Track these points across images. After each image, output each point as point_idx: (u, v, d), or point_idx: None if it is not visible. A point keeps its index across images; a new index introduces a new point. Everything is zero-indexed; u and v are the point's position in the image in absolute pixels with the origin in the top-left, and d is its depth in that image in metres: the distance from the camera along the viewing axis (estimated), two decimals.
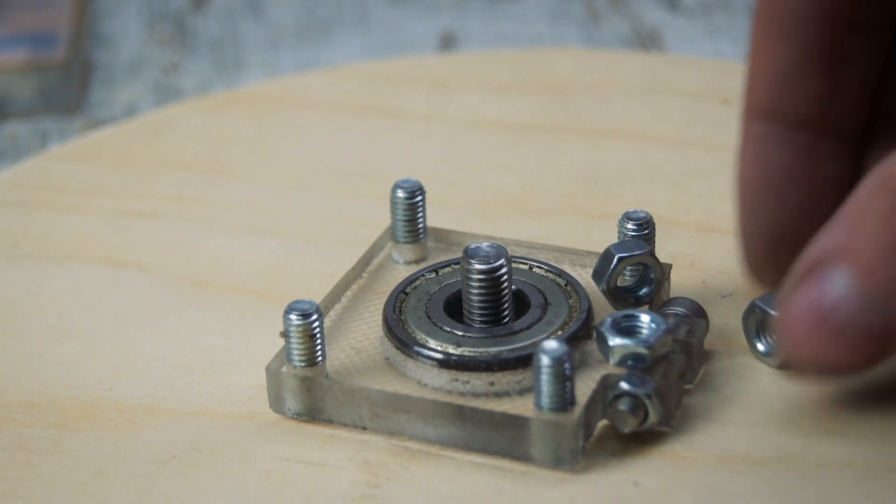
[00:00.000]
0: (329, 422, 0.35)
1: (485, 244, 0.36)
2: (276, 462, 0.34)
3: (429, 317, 0.37)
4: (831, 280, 0.28)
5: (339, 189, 0.46)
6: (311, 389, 0.35)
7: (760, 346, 0.36)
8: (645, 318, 0.35)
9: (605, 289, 0.37)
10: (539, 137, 0.49)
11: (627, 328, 0.35)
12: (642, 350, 0.34)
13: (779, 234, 0.33)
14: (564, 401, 0.33)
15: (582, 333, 0.36)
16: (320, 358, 0.35)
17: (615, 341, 0.34)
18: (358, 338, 0.37)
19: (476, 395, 0.35)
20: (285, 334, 0.35)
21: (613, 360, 0.34)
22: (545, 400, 0.33)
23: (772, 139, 0.33)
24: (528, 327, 0.36)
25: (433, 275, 0.38)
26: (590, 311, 0.37)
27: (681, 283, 0.40)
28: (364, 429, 0.35)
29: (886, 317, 0.28)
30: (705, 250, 0.41)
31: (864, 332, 0.28)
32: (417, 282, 0.38)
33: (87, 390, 0.37)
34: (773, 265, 0.33)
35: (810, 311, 0.28)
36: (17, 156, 0.55)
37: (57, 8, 0.64)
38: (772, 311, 0.35)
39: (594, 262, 0.38)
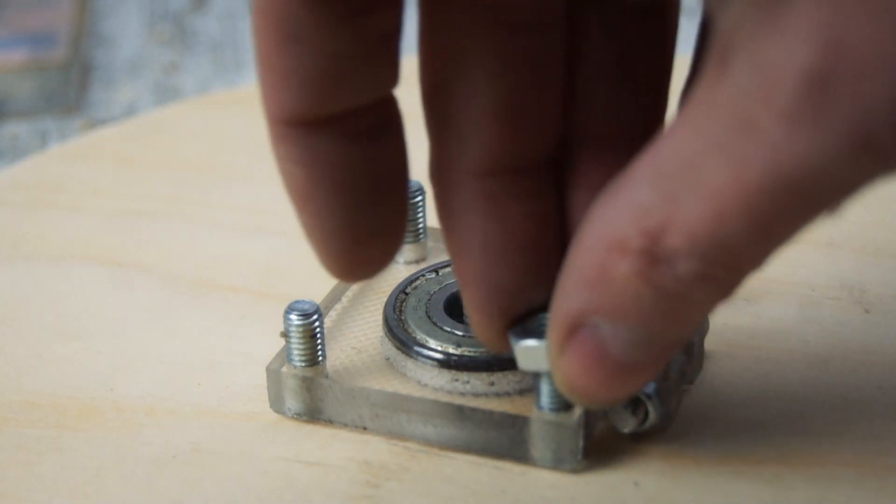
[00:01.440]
0: (329, 422, 0.35)
1: None
2: (276, 462, 0.34)
3: (429, 317, 0.37)
4: (598, 330, 0.30)
5: None
6: (312, 389, 0.35)
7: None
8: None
9: None
10: None
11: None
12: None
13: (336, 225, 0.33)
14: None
15: None
16: (320, 358, 0.35)
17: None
18: (358, 338, 0.37)
19: (476, 395, 0.35)
20: (285, 334, 0.35)
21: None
22: (546, 400, 0.33)
23: (500, 196, 0.32)
24: None
25: (433, 275, 0.38)
26: None
27: None
28: (364, 429, 0.35)
29: (649, 353, 0.30)
30: None
31: (632, 366, 0.30)
32: (417, 282, 0.38)
33: (87, 390, 0.37)
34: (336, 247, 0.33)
35: (588, 360, 0.30)
36: (16, 155, 0.55)
37: (57, 8, 0.64)
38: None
39: None
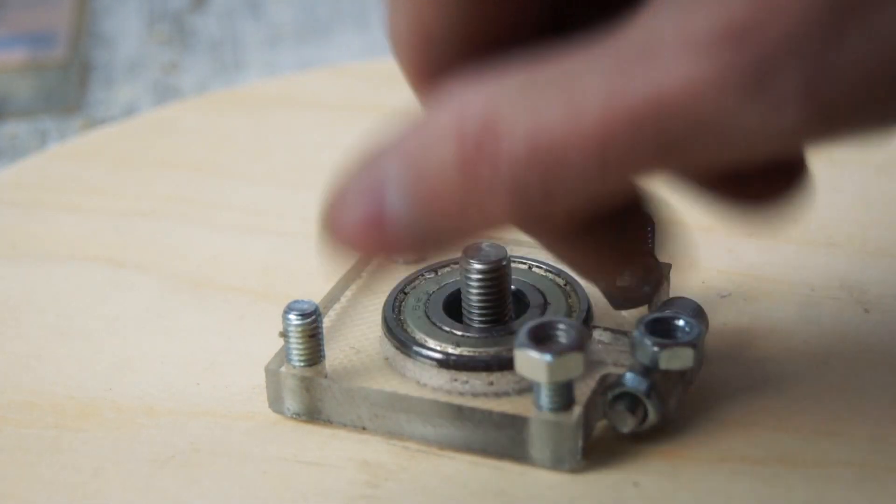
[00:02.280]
0: (328, 422, 0.35)
1: (484, 244, 0.36)
2: (275, 462, 0.34)
3: (428, 317, 0.37)
4: (386, 193, 0.29)
5: None
6: (311, 389, 0.35)
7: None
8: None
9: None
10: None
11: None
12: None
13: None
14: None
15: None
16: (319, 358, 0.35)
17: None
18: (357, 338, 0.37)
19: (475, 394, 0.35)
20: (284, 334, 0.35)
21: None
22: (545, 400, 0.33)
23: None
24: None
25: (432, 275, 0.38)
26: (589, 311, 0.37)
27: (680, 282, 0.39)
28: (363, 429, 0.35)
29: (417, 231, 0.29)
30: (705, 250, 0.41)
31: (395, 238, 0.29)
32: (416, 282, 0.38)
33: (87, 390, 0.37)
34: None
35: (364, 217, 0.29)
36: (16, 155, 0.55)
37: (56, 7, 0.64)
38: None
39: None
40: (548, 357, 0.32)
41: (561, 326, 0.33)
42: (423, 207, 0.29)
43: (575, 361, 0.32)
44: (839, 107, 0.26)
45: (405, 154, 0.29)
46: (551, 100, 0.27)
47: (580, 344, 0.32)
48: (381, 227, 0.29)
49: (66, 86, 0.59)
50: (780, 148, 0.27)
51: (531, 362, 0.32)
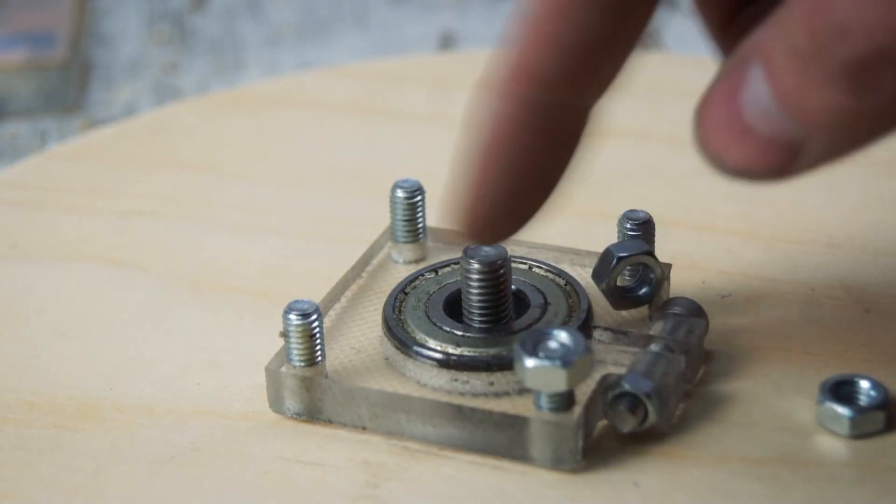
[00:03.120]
0: (328, 422, 0.35)
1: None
2: (275, 462, 0.34)
3: (428, 317, 0.37)
4: (747, 77, 0.27)
5: (339, 189, 0.46)
6: (311, 389, 0.35)
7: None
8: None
9: (605, 288, 0.37)
10: None
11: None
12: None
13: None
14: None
15: (582, 333, 0.36)
16: (320, 358, 0.35)
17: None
18: (357, 338, 0.37)
19: (475, 395, 0.35)
20: (285, 334, 0.35)
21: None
22: (545, 401, 0.33)
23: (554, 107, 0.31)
24: (528, 327, 0.36)
25: (433, 275, 0.38)
26: (589, 311, 0.37)
27: (680, 282, 0.40)
28: (363, 429, 0.35)
29: (789, 126, 0.27)
30: (705, 250, 0.41)
31: (769, 137, 0.27)
32: (417, 282, 0.38)
33: (87, 390, 0.37)
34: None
35: (722, 105, 0.28)
36: (16, 155, 0.55)
37: (56, 8, 0.64)
38: None
39: (594, 261, 0.38)
40: (553, 363, 0.32)
41: (556, 334, 0.33)
42: (781, 104, 0.26)
43: (587, 364, 0.32)
44: None
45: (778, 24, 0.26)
46: None
47: (588, 346, 0.33)
48: (739, 111, 0.27)
49: (67, 86, 0.59)
50: None
51: (545, 373, 0.32)
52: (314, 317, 0.35)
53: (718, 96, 0.28)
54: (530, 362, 0.32)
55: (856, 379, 0.35)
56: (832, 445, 0.34)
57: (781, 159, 0.27)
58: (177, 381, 0.38)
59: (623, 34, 0.30)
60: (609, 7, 0.30)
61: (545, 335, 0.33)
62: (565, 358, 0.32)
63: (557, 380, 0.32)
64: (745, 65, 0.27)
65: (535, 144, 0.31)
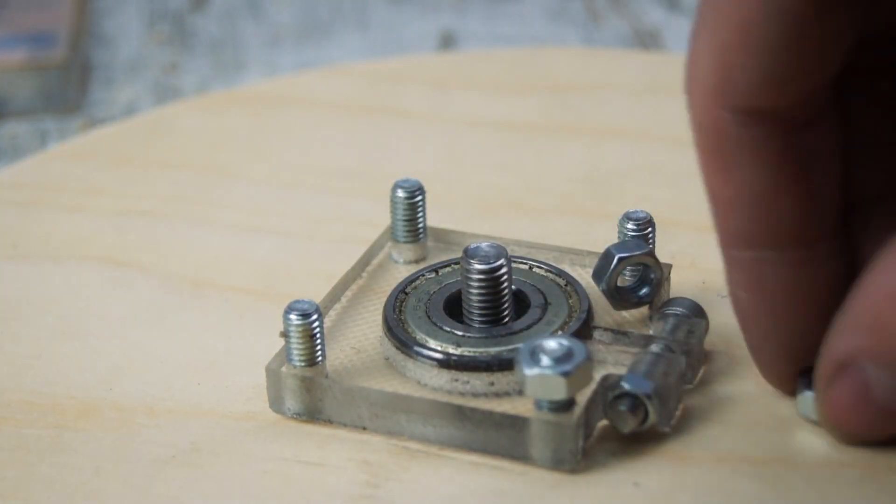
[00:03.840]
0: (329, 422, 0.35)
1: (485, 244, 0.36)
2: (275, 462, 0.34)
3: (429, 317, 0.37)
4: (865, 373, 0.31)
5: (339, 189, 0.46)
6: (311, 389, 0.35)
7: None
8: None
9: (605, 289, 0.37)
10: (539, 137, 0.49)
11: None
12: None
13: (792, 347, 0.34)
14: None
15: (582, 333, 0.36)
16: (320, 358, 0.35)
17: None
18: (358, 338, 0.37)
19: (476, 395, 0.35)
20: (285, 334, 0.35)
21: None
22: (545, 401, 0.33)
23: (762, 263, 0.33)
24: (528, 327, 0.36)
25: (433, 275, 0.38)
26: (590, 311, 0.37)
27: (680, 283, 0.40)
28: (364, 429, 0.35)
29: None
30: (705, 250, 0.41)
31: (893, 413, 0.32)
32: (417, 282, 0.38)
33: (87, 390, 0.37)
34: (792, 371, 0.35)
35: (852, 398, 0.32)
36: (16, 155, 0.55)
37: (56, 7, 0.64)
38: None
39: (594, 261, 0.38)
40: (562, 373, 0.32)
41: (555, 342, 0.33)
42: None
43: (586, 371, 0.32)
44: None
45: (863, 332, 0.31)
46: None
47: (588, 354, 0.33)
48: (870, 400, 0.32)
49: (67, 86, 0.59)
50: None
51: (545, 382, 0.32)
52: (314, 317, 0.35)
53: (843, 393, 0.32)
54: (530, 371, 0.32)
55: None
56: (832, 445, 0.34)
57: None
58: (177, 381, 0.38)
59: (800, 170, 0.32)
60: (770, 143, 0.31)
61: (545, 343, 0.33)
62: (565, 366, 0.32)
63: (557, 388, 0.32)
64: (855, 366, 0.31)
65: (791, 301, 0.33)
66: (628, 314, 0.38)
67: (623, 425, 0.34)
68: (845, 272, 0.33)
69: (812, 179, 0.32)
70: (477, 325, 0.36)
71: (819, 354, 0.32)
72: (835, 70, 0.31)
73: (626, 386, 0.33)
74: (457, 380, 0.35)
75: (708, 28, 0.30)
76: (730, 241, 0.33)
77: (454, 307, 0.37)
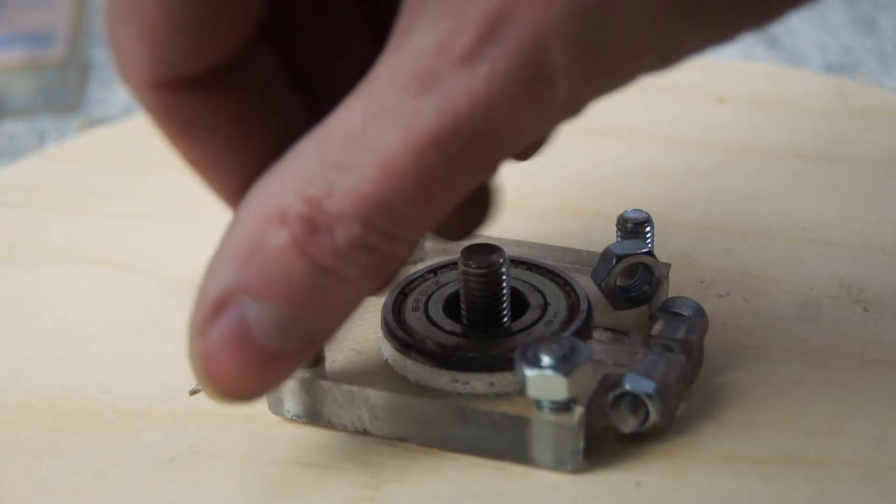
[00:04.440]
0: (329, 423, 0.35)
1: (483, 244, 0.36)
2: (275, 464, 0.34)
3: (428, 317, 0.36)
4: (243, 311, 0.29)
5: None
6: (311, 391, 0.35)
7: None
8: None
9: (605, 288, 0.37)
10: None
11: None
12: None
13: None
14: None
15: (582, 333, 0.36)
16: (320, 359, 0.35)
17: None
18: (357, 339, 0.37)
19: (476, 395, 0.35)
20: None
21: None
22: (546, 401, 0.33)
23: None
24: (528, 327, 0.36)
25: (432, 275, 0.38)
26: (589, 311, 0.36)
27: (680, 282, 0.40)
28: (364, 430, 0.35)
29: (293, 340, 0.30)
30: (704, 249, 0.41)
31: (275, 354, 0.30)
32: (416, 282, 0.38)
33: (85, 393, 0.37)
34: None
35: (229, 341, 0.29)
36: (15, 154, 0.55)
37: (55, 7, 0.64)
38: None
39: (593, 261, 0.38)
40: (551, 372, 0.32)
41: (556, 342, 0.33)
42: (284, 306, 0.29)
43: (587, 371, 0.32)
44: (610, 65, 0.27)
45: (239, 264, 0.29)
46: (358, 158, 0.27)
47: (588, 354, 0.32)
48: (249, 341, 0.29)
49: (65, 85, 0.59)
50: (571, 116, 0.28)
51: (545, 382, 0.32)
52: None
53: (220, 334, 0.30)
54: (531, 371, 0.32)
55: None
56: (832, 445, 0.34)
57: (283, 372, 0.30)
58: (176, 383, 0.37)
59: None
60: None
61: (545, 343, 0.33)
62: (565, 366, 0.32)
63: (558, 388, 0.32)
64: (233, 304, 0.29)
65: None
66: (628, 314, 0.38)
67: (624, 425, 0.34)
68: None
69: (259, 117, 0.32)
70: (476, 326, 0.36)
71: (192, 302, 0.30)
72: (241, 35, 0.30)
73: (626, 386, 0.33)
74: (457, 380, 0.35)
75: (124, 16, 0.30)
76: (231, 199, 0.32)
77: (453, 308, 0.37)
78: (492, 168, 0.28)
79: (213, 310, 0.29)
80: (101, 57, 0.63)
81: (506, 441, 0.34)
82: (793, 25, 0.64)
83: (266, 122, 0.32)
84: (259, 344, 0.29)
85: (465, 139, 0.27)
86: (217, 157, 0.32)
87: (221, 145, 0.31)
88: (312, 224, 0.28)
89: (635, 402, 0.33)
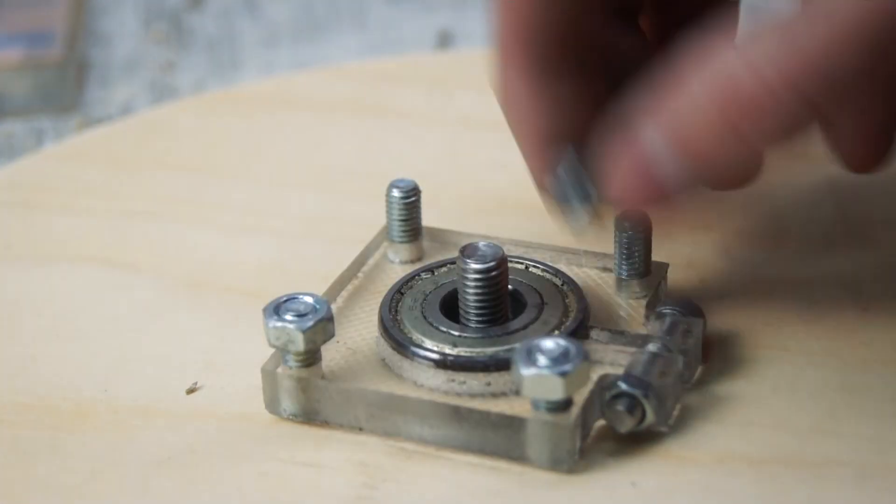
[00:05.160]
0: (325, 423, 0.35)
1: (481, 243, 0.36)
2: (271, 464, 0.34)
3: (425, 317, 0.36)
4: (653, 148, 0.33)
5: (335, 188, 0.46)
6: (307, 390, 0.35)
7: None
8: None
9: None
10: None
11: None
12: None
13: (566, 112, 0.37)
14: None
15: (579, 333, 0.36)
16: (316, 359, 0.35)
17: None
18: (353, 338, 0.37)
19: (472, 395, 0.35)
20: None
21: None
22: (542, 401, 0.33)
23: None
24: (525, 327, 0.36)
25: (429, 275, 0.38)
26: (586, 311, 0.36)
27: (678, 282, 0.39)
28: (360, 430, 0.35)
29: (681, 182, 0.34)
30: (702, 249, 0.41)
31: (672, 186, 0.34)
32: (413, 282, 0.38)
33: (82, 392, 0.37)
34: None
35: (632, 167, 0.34)
36: (13, 154, 0.55)
37: (53, 6, 0.64)
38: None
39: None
40: (559, 373, 0.32)
41: (552, 342, 0.33)
42: (690, 159, 0.33)
43: (584, 371, 0.32)
44: None
45: (671, 116, 0.33)
46: (816, 28, 0.30)
47: (585, 354, 0.32)
48: (650, 175, 0.33)
49: (63, 85, 0.59)
50: None
51: (542, 382, 0.32)
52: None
53: (627, 159, 0.34)
54: (527, 371, 0.32)
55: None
56: (829, 446, 0.34)
57: (676, 200, 0.35)
58: (173, 382, 0.37)
59: None
60: None
61: (542, 343, 0.33)
62: (562, 366, 0.32)
63: (554, 388, 0.32)
64: (642, 129, 0.34)
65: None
66: (626, 314, 0.38)
67: (620, 425, 0.34)
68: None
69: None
70: (473, 325, 0.36)
71: (609, 130, 0.35)
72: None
73: (623, 386, 0.33)
74: (453, 380, 0.35)
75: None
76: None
77: (450, 307, 0.37)
78: None
79: (629, 144, 0.34)
80: (100, 56, 0.63)
81: (502, 441, 0.34)
82: None
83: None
84: (654, 175, 0.33)
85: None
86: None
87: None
88: (749, 105, 0.31)
89: (632, 403, 0.33)
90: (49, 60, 0.59)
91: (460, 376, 0.35)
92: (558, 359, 0.32)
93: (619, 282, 0.38)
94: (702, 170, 0.33)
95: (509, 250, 0.39)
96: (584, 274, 0.39)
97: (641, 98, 0.34)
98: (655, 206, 0.35)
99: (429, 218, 0.41)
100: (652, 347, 0.35)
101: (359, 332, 0.37)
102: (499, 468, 0.34)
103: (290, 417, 0.35)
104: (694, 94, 0.32)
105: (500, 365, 0.35)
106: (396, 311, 0.37)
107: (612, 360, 0.36)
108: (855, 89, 0.31)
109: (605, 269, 0.39)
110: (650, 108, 0.33)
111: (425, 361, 0.35)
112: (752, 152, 0.33)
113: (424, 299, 0.37)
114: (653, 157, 0.33)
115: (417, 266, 0.39)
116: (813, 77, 0.30)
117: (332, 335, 0.35)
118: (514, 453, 0.34)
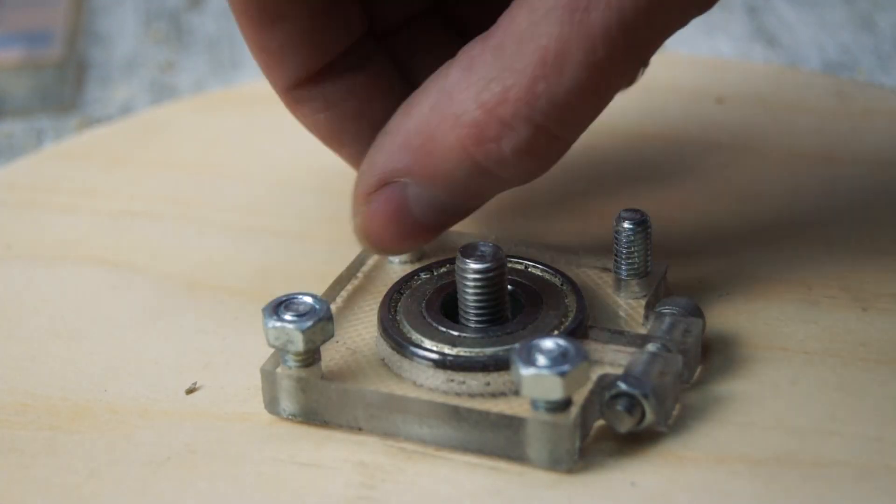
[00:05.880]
0: (324, 423, 0.35)
1: (480, 243, 0.36)
2: (271, 464, 0.34)
3: (424, 317, 0.36)
4: (405, 189, 0.34)
5: (334, 188, 0.46)
6: (307, 390, 0.35)
7: None
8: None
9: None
10: None
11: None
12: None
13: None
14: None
15: (578, 333, 0.36)
16: (316, 359, 0.35)
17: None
18: (353, 338, 0.37)
19: (472, 395, 0.35)
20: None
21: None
22: (542, 401, 0.33)
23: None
24: (524, 327, 0.36)
25: (428, 274, 0.38)
26: (585, 311, 0.36)
27: (678, 282, 0.39)
28: (359, 430, 0.35)
29: (443, 216, 0.35)
30: (702, 249, 0.41)
31: (426, 225, 0.35)
32: (412, 282, 0.38)
33: (81, 392, 0.37)
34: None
35: (389, 213, 0.34)
36: (12, 154, 0.55)
37: (53, 6, 0.64)
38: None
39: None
40: (547, 371, 0.32)
41: (552, 342, 0.33)
42: (443, 194, 0.33)
43: (583, 371, 0.32)
44: None
45: (408, 152, 0.33)
46: (530, 57, 0.30)
47: (584, 354, 0.32)
48: (406, 214, 0.34)
49: (63, 84, 0.59)
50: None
51: (541, 382, 0.32)
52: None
53: (382, 207, 0.35)
54: (526, 371, 0.32)
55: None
56: (829, 446, 0.34)
57: (430, 238, 0.36)
58: (172, 382, 0.37)
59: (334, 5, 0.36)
60: None
61: (541, 343, 0.33)
62: (561, 366, 0.32)
63: (554, 388, 0.32)
64: (397, 183, 0.34)
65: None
66: (625, 314, 0.38)
67: (620, 425, 0.34)
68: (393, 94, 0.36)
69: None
70: (473, 325, 0.36)
71: (359, 172, 0.35)
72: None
73: (622, 386, 0.33)
74: (453, 380, 0.35)
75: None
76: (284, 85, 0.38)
77: (450, 307, 0.37)
78: (646, 61, 0.31)
79: (378, 183, 0.34)
80: (99, 56, 0.63)
81: (501, 441, 0.34)
82: (791, 24, 0.64)
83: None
84: (414, 217, 0.34)
85: (629, 31, 0.29)
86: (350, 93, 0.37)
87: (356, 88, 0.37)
88: (482, 132, 0.31)
89: (631, 402, 0.33)
90: (49, 60, 0.59)
91: (459, 376, 0.35)
92: (557, 359, 0.32)
93: (619, 282, 0.38)
94: (461, 198, 0.34)
95: (509, 250, 0.39)
96: (584, 274, 0.39)
97: (389, 140, 0.34)
98: (413, 245, 0.36)
99: None
100: (651, 347, 0.35)
101: (358, 332, 0.37)
102: (498, 468, 0.34)
103: (290, 417, 0.35)
104: (442, 144, 0.32)
105: (500, 365, 0.35)
106: (396, 311, 0.37)
107: (612, 360, 0.36)
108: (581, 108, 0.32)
109: (605, 269, 0.39)
110: (404, 144, 0.34)
111: (425, 361, 0.35)
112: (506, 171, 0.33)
113: (424, 299, 0.37)
114: (410, 198, 0.34)
115: (417, 266, 0.39)
116: (544, 107, 0.31)
117: (332, 335, 0.35)
118: (514, 453, 0.34)
